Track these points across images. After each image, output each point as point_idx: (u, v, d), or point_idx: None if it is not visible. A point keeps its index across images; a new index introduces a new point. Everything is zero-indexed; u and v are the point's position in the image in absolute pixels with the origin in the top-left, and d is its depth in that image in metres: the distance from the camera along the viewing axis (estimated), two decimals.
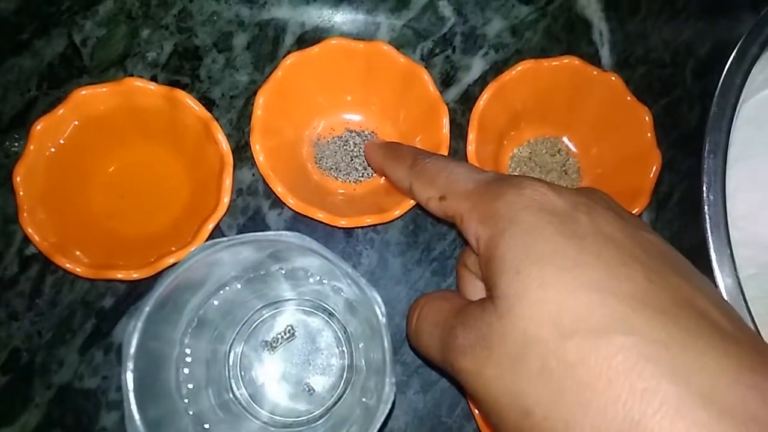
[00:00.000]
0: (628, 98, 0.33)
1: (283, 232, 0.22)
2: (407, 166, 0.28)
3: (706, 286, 0.22)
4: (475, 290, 0.26)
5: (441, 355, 0.23)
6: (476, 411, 0.30)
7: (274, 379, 0.31)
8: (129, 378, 0.20)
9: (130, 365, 0.20)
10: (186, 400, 0.24)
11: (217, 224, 0.32)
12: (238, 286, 0.27)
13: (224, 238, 0.22)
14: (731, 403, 0.17)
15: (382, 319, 0.22)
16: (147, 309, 0.21)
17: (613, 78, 0.34)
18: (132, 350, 0.20)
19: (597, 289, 0.19)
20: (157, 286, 0.21)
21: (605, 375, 0.18)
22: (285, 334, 0.31)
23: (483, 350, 0.20)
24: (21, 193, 0.31)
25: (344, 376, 0.30)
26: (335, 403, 0.30)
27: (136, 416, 0.20)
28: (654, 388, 0.17)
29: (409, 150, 0.30)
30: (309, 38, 0.37)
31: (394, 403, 0.21)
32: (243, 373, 0.30)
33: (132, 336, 0.20)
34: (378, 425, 0.21)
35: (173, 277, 0.21)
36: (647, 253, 0.21)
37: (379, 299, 0.22)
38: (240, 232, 0.35)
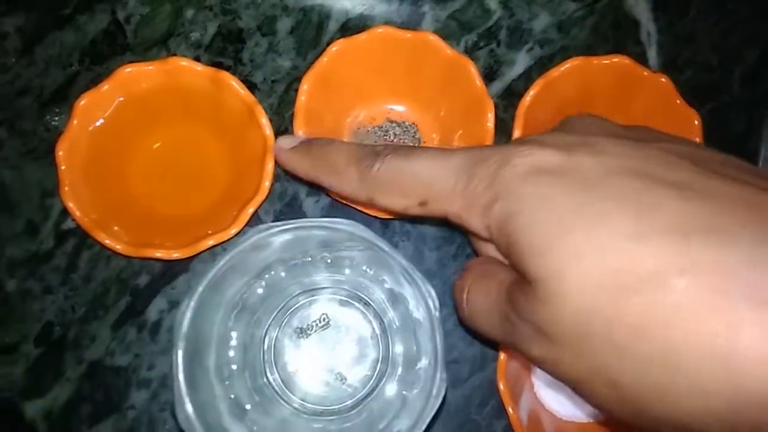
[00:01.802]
0: (678, 101, 0.33)
1: (338, 220, 0.22)
2: (353, 179, 0.24)
3: (740, 166, 0.20)
4: (492, 251, 0.24)
5: (507, 341, 0.22)
6: (509, 410, 0.30)
7: (306, 367, 0.30)
8: (180, 358, 0.20)
9: (182, 344, 0.20)
10: (227, 383, 0.24)
11: (258, 208, 0.31)
12: (282, 273, 0.27)
13: (278, 223, 0.21)
14: None
15: (435, 314, 0.21)
16: (200, 289, 0.21)
17: (663, 80, 0.33)
18: (183, 330, 0.20)
19: (632, 236, 0.17)
20: (210, 268, 0.21)
21: (678, 325, 0.16)
22: (320, 322, 0.31)
23: (542, 339, 0.19)
24: (63, 167, 0.31)
25: (378, 367, 0.30)
26: (368, 394, 0.30)
27: (186, 398, 0.20)
28: (736, 322, 0.16)
29: (341, 154, 0.25)
30: (353, 25, 0.37)
31: (444, 398, 0.21)
32: (276, 359, 0.30)
33: (184, 316, 0.20)
34: (428, 419, 0.21)
35: (227, 259, 0.21)
36: (669, 167, 0.19)
37: (434, 293, 0.22)
38: (276, 218, 0.35)
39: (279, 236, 0.22)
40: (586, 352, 0.18)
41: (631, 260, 0.17)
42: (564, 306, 0.18)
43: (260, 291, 0.27)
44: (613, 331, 0.17)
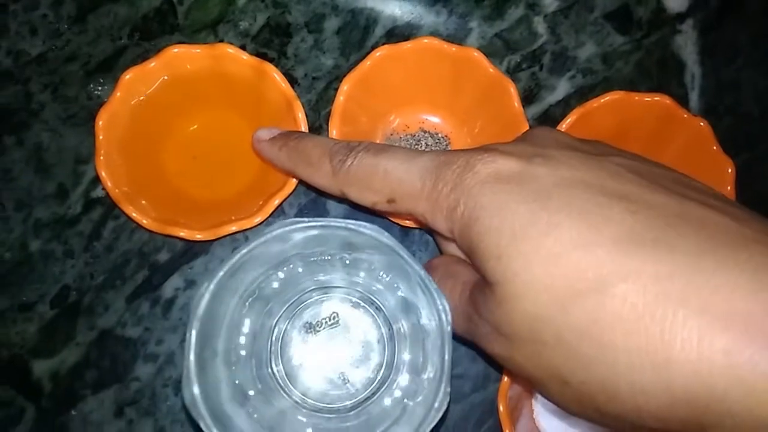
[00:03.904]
0: (714, 147, 0.33)
1: (362, 223, 0.22)
2: (327, 173, 0.25)
3: (689, 184, 0.21)
4: (457, 250, 0.26)
5: (469, 337, 0.23)
6: None
7: (310, 362, 0.31)
8: (193, 338, 0.20)
9: (197, 325, 0.20)
10: (233, 368, 0.24)
11: (283, 201, 0.32)
12: (300, 269, 0.27)
13: (305, 219, 0.22)
14: (755, 316, 0.16)
15: (447, 328, 0.22)
16: (220, 274, 0.21)
17: (702, 124, 0.33)
18: (200, 311, 0.21)
19: (580, 245, 0.19)
20: (233, 255, 0.21)
21: (620, 328, 0.18)
22: (329, 320, 0.31)
23: (500, 338, 0.20)
24: (101, 137, 0.31)
25: (381, 372, 0.30)
26: (368, 398, 0.30)
27: (195, 379, 0.20)
28: (671, 327, 0.17)
29: (316, 147, 0.26)
30: (399, 33, 0.37)
31: (446, 411, 0.21)
32: (283, 351, 0.30)
33: (202, 298, 0.21)
34: (427, 431, 0.21)
35: (250, 248, 0.21)
36: (620, 180, 0.20)
37: (447, 307, 0.22)
38: (300, 212, 0.35)
39: (303, 232, 0.23)
40: (538, 351, 0.19)
41: (578, 268, 0.18)
42: (517, 308, 0.19)
43: (276, 282, 0.27)
44: (561, 332, 0.19)
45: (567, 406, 0.21)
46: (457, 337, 0.24)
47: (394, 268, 0.25)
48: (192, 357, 0.20)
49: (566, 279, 0.18)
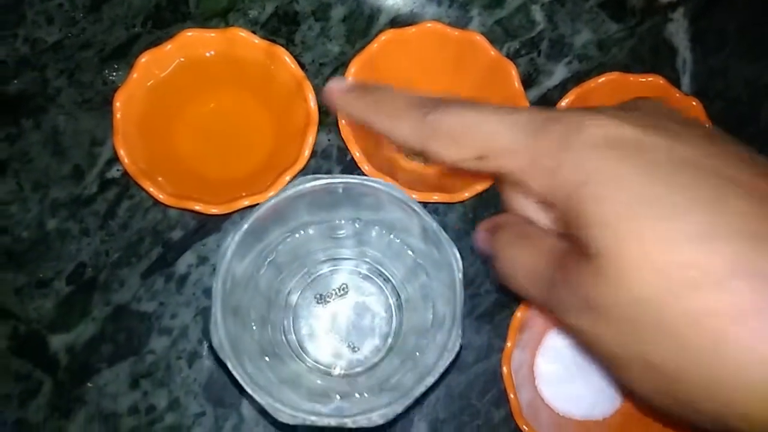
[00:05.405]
0: (707, 126, 0.34)
1: (377, 179, 0.23)
2: (411, 124, 0.23)
3: None
4: (527, 209, 0.24)
5: (547, 306, 0.21)
6: (511, 396, 0.31)
7: (320, 332, 0.32)
8: (220, 284, 0.22)
9: (223, 273, 0.22)
10: (254, 327, 0.26)
11: (294, 177, 0.33)
12: (311, 231, 0.28)
13: (322, 175, 0.23)
14: None
15: (458, 275, 0.23)
16: (245, 226, 0.22)
17: (695, 103, 0.34)
18: (226, 262, 0.22)
19: (701, 234, 0.17)
20: (256, 209, 0.23)
21: (733, 323, 0.17)
22: (339, 291, 0.32)
23: (591, 312, 0.19)
24: (118, 116, 0.33)
25: (388, 341, 0.32)
26: (376, 363, 0.31)
27: (222, 323, 0.21)
28: None
29: (398, 98, 0.24)
30: (402, 21, 0.39)
31: (458, 354, 0.22)
32: (294, 320, 0.32)
33: (228, 248, 0.22)
34: (441, 371, 0.22)
35: (273, 203, 0.23)
36: (740, 168, 0.19)
37: (458, 256, 0.23)
38: None
39: (318, 190, 0.24)
40: (632, 333, 0.18)
41: (697, 257, 0.17)
42: (620, 284, 0.18)
43: (290, 249, 0.28)
44: (665, 319, 0.18)
45: (640, 388, 0.20)
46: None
47: (404, 228, 0.27)
48: (219, 303, 0.22)
49: (684, 268, 0.17)
